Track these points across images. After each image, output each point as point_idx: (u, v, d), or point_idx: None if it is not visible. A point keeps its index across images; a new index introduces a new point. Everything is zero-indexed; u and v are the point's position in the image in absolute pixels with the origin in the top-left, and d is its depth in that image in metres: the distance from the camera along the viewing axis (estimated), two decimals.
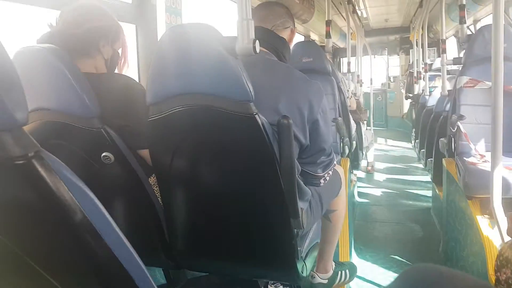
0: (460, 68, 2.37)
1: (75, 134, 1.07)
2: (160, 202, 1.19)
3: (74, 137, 1.08)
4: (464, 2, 2.44)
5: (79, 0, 1.20)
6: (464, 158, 2.06)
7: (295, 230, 1.13)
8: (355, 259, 2.35)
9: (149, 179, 1.19)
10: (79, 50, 1.15)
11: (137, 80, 1.73)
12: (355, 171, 3.71)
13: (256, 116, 0.96)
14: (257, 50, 0.93)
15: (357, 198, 3.59)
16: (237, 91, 0.95)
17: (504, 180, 1.52)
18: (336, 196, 1.54)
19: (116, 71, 1.29)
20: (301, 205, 1.16)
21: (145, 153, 1.14)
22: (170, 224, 1.20)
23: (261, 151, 1.01)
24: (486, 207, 1.79)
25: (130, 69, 1.37)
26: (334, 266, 1.76)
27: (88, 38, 1.16)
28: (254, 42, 0.92)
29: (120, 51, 1.28)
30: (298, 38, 5.14)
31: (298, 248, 1.16)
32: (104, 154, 1.07)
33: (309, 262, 1.29)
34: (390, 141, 6.89)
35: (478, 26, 4.78)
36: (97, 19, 1.18)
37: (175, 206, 1.17)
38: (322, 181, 1.30)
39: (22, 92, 0.52)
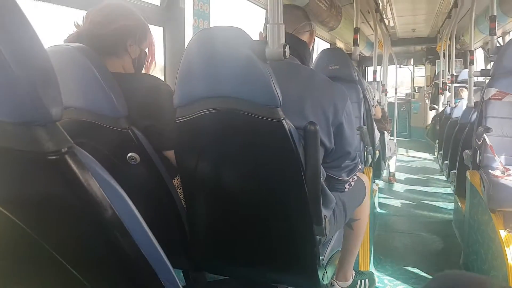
0: (488, 80, 2.32)
1: (102, 134, 1.07)
2: (183, 204, 1.20)
3: (100, 136, 1.08)
4: (495, 13, 2.38)
5: (105, 0, 1.21)
6: (489, 170, 2.02)
7: (318, 237, 1.11)
8: (374, 269, 2.31)
9: (173, 180, 1.19)
10: (107, 50, 1.17)
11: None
12: (377, 181, 3.65)
13: (283, 121, 0.96)
14: (287, 55, 0.93)
15: (378, 208, 3.53)
16: (265, 95, 0.95)
17: None
18: (360, 205, 1.52)
19: (143, 70, 1.30)
20: (325, 212, 1.14)
21: (170, 154, 1.15)
22: (192, 226, 1.20)
23: (287, 156, 1.00)
24: (509, 221, 1.76)
25: (155, 70, 1.39)
26: (354, 275, 1.73)
27: (115, 38, 1.17)
28: (284, 47, 0.92)
29: (147, 50, 1.29)
30: (324, 45, 5.12)
31: (320, 256, 1.14)
32: (130, 154, 1.08)
33: (330, 270, 1.27)
34: (412, 152, 6.76)
35: (507, 38, 4.67)
36: (123, 19, 1.18)
37: (198, 208, 1.17)
38: (347, 186, 1.28)
39: (58, 89, 0.53)
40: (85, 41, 1.10)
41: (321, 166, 1.16)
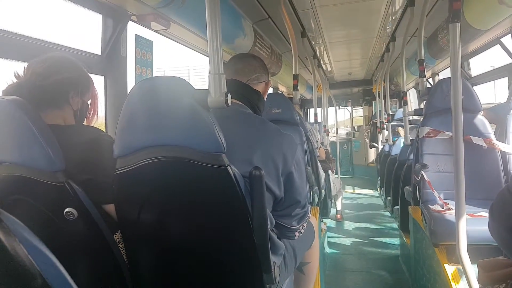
0: (421, 119, 2.50)
1: (38, 189, 1.01)
2: (125, 259, 1.12)
3: (36, 192, 1.02)
4: (423, 57, 2.62)
5: (47, 53, 1.20)
6: (429, 205, 2.12)
7: (268, 286, 1.08)
8: None
9: (114, 235, 1.12)
10: (48, 101, 1.13)
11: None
12: (324, 220, 3.71)
13: (228, 167, 0.95)
14: (229, 103, 0.94)
15: (327, 248, 3.56)
16: (208, 142, 0.94)
17: (469, 227, 1.55)
18: (310, 247, 1.51)
19: (85, 122, 1.26)
20: (274, 259, 1.12)
21: (110, 208, 1.09)
22: (136, 282, 1.12)
23: (233, 203, 0.99)
24: (453, 254, 1.82)
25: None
26: None
27: (56, 89, 1.14)
28: (226, 95, 0.93)
29: (89, 102, 1.27)
30: None
31: None
32: (67, 209, 1.01)
33: None
34: (357, 189, 7.02)
35: (437, 79, 5.15)
36: (66, 71, 1.17)
37: (141, 263, 1.11)
38: (297, 233, 1.27)
39: None
40: (25, 92, 1.07)
41: (271, 214, 1.16)
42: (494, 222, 0.73)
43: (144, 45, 2.09)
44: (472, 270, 1.48)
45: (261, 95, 1.37)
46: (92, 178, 1.07)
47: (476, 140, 2.17)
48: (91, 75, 1.28)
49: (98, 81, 1.89)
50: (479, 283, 0.96)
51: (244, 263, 1.05)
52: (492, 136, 2.21)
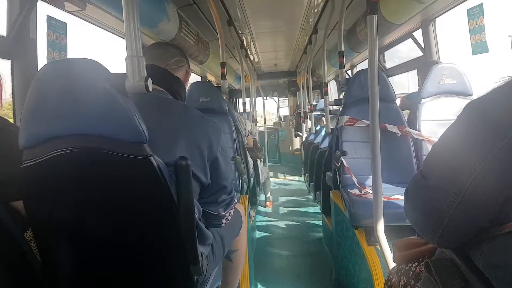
0: (341, 109, 2.63)
1: None
2: (39, 259, 1.02)
3: None
4: (343, 49, 2.74)
5: None
6: (349, 190, 2.24)
7: (195, 277, 1.06)
8: None
9: (25, 234, 1.01)
10: None
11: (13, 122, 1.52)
12: (253, 207, 3.77)
13: (151, 157, 0.90)
14: (150, 88, 0.89)
15: (256, 233, 3.63)
16: (128, 132, 0.88)
17: (385, 209, 1.67)
18: (238, 235, 1.51)
19: None
20: (202, 249, 1.10)
21: (19, 204, 0.98)
22: (52, 283, 1.02)
23: (157, 194, 0.94)
24: (371, 235, 1.94)
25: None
26: None
27: None
28: (146, 80, 0.88)
29: None
30: (195, 78, 5.20)
31: None
32: None
33: None
34: (284, 176, 7.25)
35: (355, 70, 5.47)
36: None
37: (57, 262, 1.01)
38: (224, 221, 1.27)
39: None
40: None
41: (198, 203, 1.13)
42: (408, 204, 0.78)
43: (57, 27, 1.89)
44: (389, 250, 1.60)
45: (181, 82, 1.32)
46: None
47: (391, 127, 2.34)
48: None
49: (4, 66, 1.68)
50: (394, 262, 1.03)
51: (170, 255, 1.01)
52: (406, 124, 2.40)
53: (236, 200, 1.34)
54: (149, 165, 0.90)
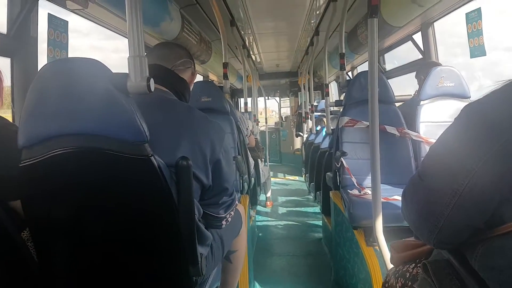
0: (341, 109, 2.64)
1: None
2: (36, 259, 1.02)
3: None
4: (344, 51, 2.75)
5: None
6: (348, 190, 2.24)
7: (194, 278, 1.06)
8: None
9: (22, 233, 1.02)
10: None
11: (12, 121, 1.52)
12: (253, 206, 3.78)
13: (152, 157, 0.90)
14: (152, 88, 0.89)
15: (256, 233, 3.64)
16: (129, 131, 0.88)
17: (384, 210, 1.67)
18: (237, 236, 1.52)
19: None
20: (201, 250, 1.10)
21: (16, 204, 0.98)
22: (49, 284, 1.02)
23: (157, 195, 0.94)
24: (370, 236, 1.94)
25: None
26: None
27: None
28: (148, 80, 0.88)
29: None
30: (197, 78, 5.21)
31: None
32: None
33: None
34: (284, 176, 7.25)
35: (355, 72, 5.47)
36: None
37: (55, 263, 1.01)
38: (224, 222, 1.26)
39: None
40: None
41: (198, 204, 1.13)
42: (406, 205, 0.79)
43: (58, 25, 1.90)
44: (388, 251, 1.61)
45: (186, 83, 1.32)
46: None
47: (390, 129, 2.34)
48: None
49: (4, 64, 1.68)
50: (391, 263, 1.04)
51: (169, 256, 1.01)
52: (405, 126, 2.40)
53: (236, 202, 1.34)
54: (150, 165, 0.90)
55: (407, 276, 0.91)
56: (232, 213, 1.30)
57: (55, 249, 0.99)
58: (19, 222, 1.00)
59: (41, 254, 1.00)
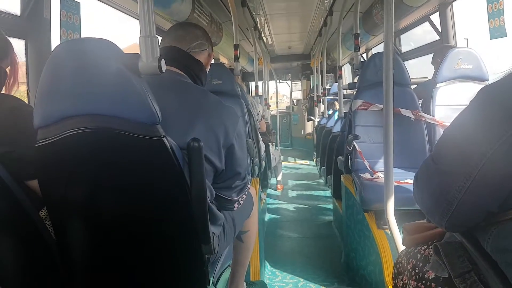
0: (355, 92, 2.60)
1: None
2: (53, 237, 1.05)
3: None
4: (358, 32, 2.70)
5: None
6: (360, 174, 2.24)
7: (206, 256, 1.08)
8: (265, 276, 2.37)
9: (40, 212, 1.04)
10: None
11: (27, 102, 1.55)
12: (264, 189, 3.81)
13: (164, 138, 0.91)
14: (163, 69, 0.89)
15: (266, 216, 3.67)
16: (141, 112, 0.89)
17: (396, 194, 1.67)
18: (249, 217, 1.54)
19: (3, 91, 1.13)
20: (214, 229, 1.12)
21: (34, 183, 1.01)
22: (67, 261, 1.06)
23: (170, 175, 0.95)
24: (381, 219, 1.95)
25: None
26: (245, 286, 1.74)
27: None
28: (159, 61, 0.88)
29: (8, 69, 1.14)
30: None
31: (210, 275, 1.11)
32: None
33: (221, 287, 1.25)
34: (295, 160, 7.26)
35: (370, 54, 5.38)
36: None
37: (72, 240, 1.04)
38: (236, 205, 1.28)
39: None
40: None
41: (211, 186, 1.14)
42: (418, 189, 0.78)
43: (70, 7, 1.90)
44: (399, 234, 1.61)
45: (203, 65, 1.30)
46: (11, 151, 0.97)
47: (405, 112, 2.31)
48: (9, 38, 1.15)
49: (19, 46, 1.70)
50: (404, 245, 1.04)
51: (183, 234, 1.03)
52: (420, 109, 2.36)
53: (249, 185, 1.35)
54: (162, 146, 0.91)
55: (419, 257, 0.91)
56: (244, 196, 1.31)
57: (71, 227, 1.02)
58: (37, 201, 1.02)
59: (58, 232, 1.03)
